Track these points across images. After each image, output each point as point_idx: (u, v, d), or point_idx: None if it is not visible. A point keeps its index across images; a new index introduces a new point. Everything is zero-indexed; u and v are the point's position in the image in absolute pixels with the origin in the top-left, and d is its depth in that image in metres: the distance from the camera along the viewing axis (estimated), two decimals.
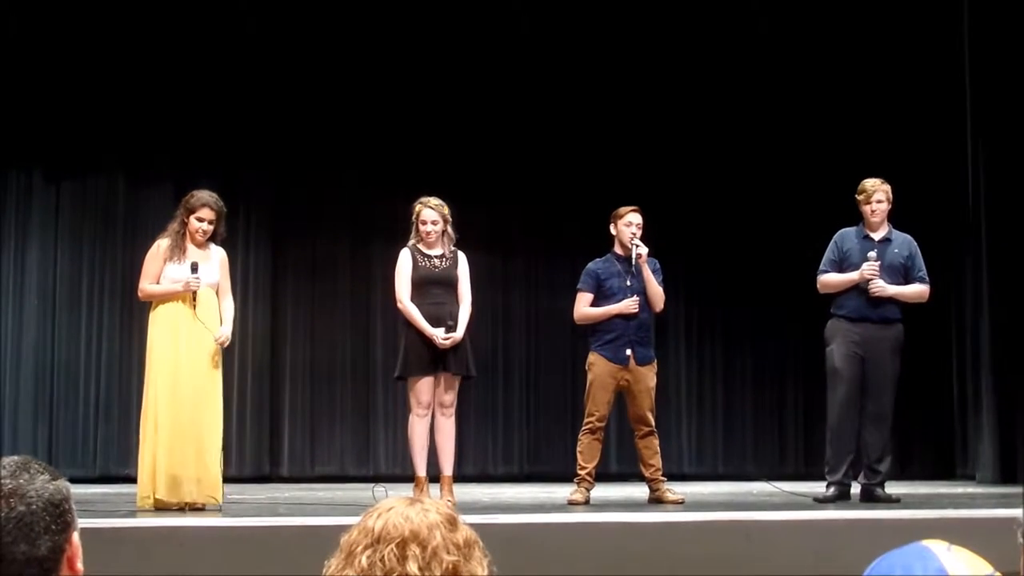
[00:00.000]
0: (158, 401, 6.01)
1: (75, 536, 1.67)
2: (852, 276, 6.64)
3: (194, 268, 6.12)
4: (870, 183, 6.75)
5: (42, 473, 1.68)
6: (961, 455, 9.90)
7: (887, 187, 6.75)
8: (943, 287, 10.04)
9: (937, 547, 1.59)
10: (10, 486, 1.63)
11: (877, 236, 6.72)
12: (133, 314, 9.50)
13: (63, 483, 1.69)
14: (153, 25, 9.54)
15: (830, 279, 6.71)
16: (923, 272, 6.72)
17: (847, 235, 6.81)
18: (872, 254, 6.63)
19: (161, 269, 6.14)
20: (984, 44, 9.32)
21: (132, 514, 5.71)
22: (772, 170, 10.15)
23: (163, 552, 4.72)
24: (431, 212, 6.51)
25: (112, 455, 9.49)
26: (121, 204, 9.80)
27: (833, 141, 9.93)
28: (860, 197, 6.76)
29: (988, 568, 1.62)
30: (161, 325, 6.11)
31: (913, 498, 7.14)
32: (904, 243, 6.75)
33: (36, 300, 9.56)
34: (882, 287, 6.58)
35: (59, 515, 1.64)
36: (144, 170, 9.78)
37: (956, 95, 9.65)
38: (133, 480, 8.72)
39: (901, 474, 9.56)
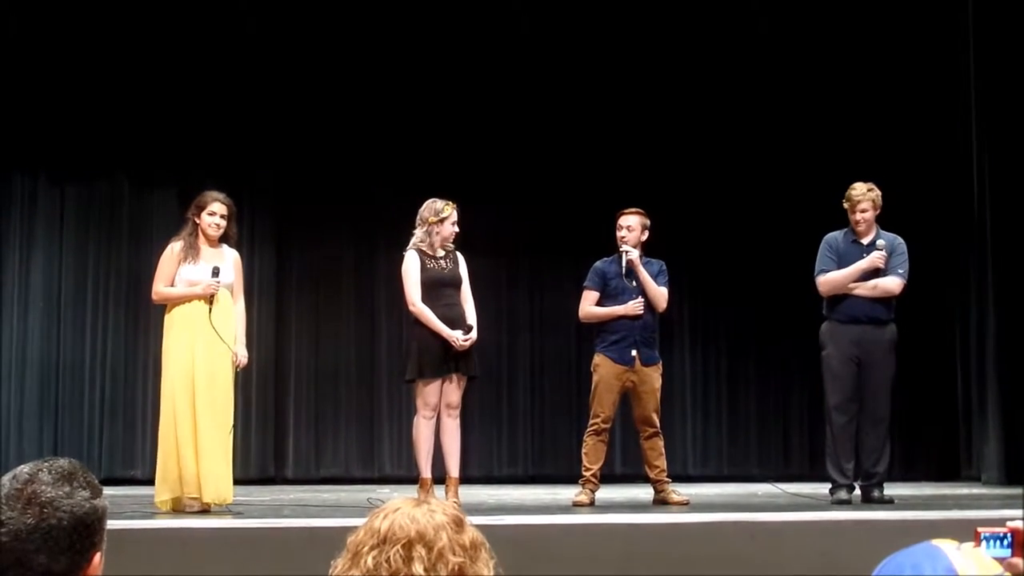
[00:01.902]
0: (176, 403, 6.01)
1: (97, 557, 1.66)
2: (861, 264, 6.61)
3: (215, 272, 6.14)
4: (856, 192, 6.70)
5: (84, 488, 1.67)
6: (966, 456, 9.88)
7: (874, 194, 6.70)
8: (948, 288, 10.06)
9: (947, 546, 1.60)
10: (48, 495, 1.63)
11: (865, 241, 6.70)
12: (138, 316, 9.53)
13: (101, 502, 1.68)
14: (156, 29, 9.56)
15: (836, 275, 6.66)
16: (902, 269, 6.66)
17: (835, 239, 6.78)
18: (882, 242, 6.63)
19: (175, 271, 6.15)
20: (989, 43, 9.31)
21: (137, 516, 5.72)
22: (776, 172, 10.14)
23: (168, 554, 4.73)
24: (457, 214, 6.53)
25: (118, 457, 9.51)
26: (125, 208, 9.82)
27: (837, 142, 9.91)
28: (846, 205, 6.74)
29: (997, 568, 1.62)
30: (178, 327, 6.11)
31: (918, 499, 7.14)
32: (888, 243, 6.71)
33: (41, 303, 9.57)
34: (872, 284, 6.58)
35: (87, 535, 1.64)
36: (148, 174, 9.80)
37: (960, 95, 9.64)
38: (139, 482, 8.82)
39: (906, 475, 9.57)
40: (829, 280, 6.68)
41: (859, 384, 6.62)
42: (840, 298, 6.65)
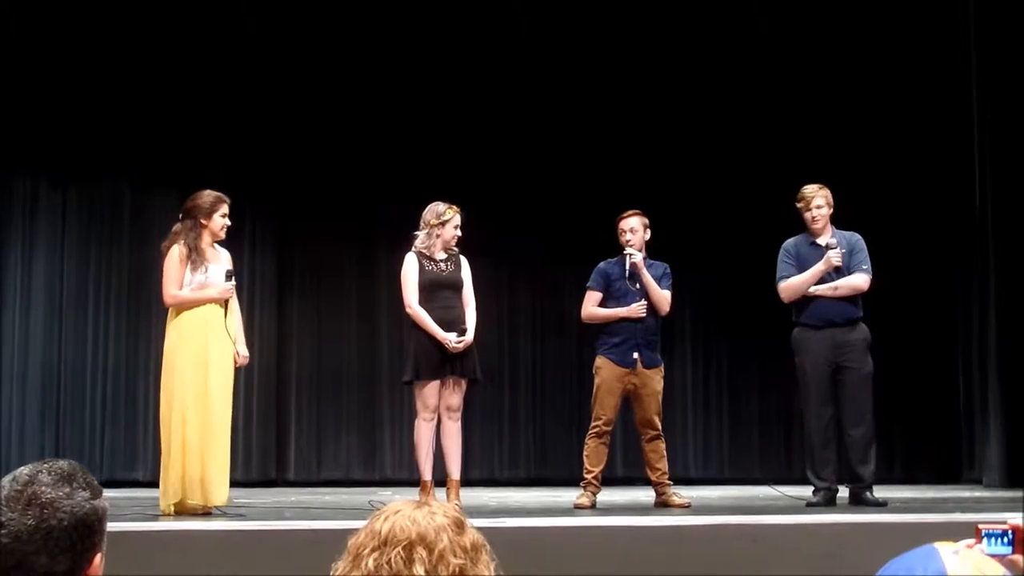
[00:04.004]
0: (186, 406, 5.96)
1: (98, 558, 1.67)
2: (818, 267, 6.59)
3: (229, 276, 6.12)
4: (809, 190, 6.71)
5: (84, 489, 1.67)
6: (968, 459, 9.88)
7: (827, 192, 6.70)
8: (949, 289, 10.06)
9: (944, 549, 1.60)
10: (48, 496, 1.63)
11: (822, 241, 6.68)
12: (139, 318, 9.55)
13: (101, 503, 1.69)
14: (158, 31, 9.57)
15: (795, 280, 6.64)
16: (866, 265, 6.63)
17: (793, 244, 6.77)
18: (833, 240, 6.62)
19: (184, 275, 6.09)
20: (990, 41, 9.30)
21: (138, 517, 5.71)
22: (777, 173, 10.11)
23: (169, 556, 4.73)
24: (460, 218, 6.54)
25: (119, 459, 9.51)
26: (126, 210, 9.84)
27: (838, 143, 9.91)
28: (800, 204, 6.73)
29: (997, 570, 1.62)
30: (189, 331, 6.04)
31: (920, 502, 7.14)
32: (845, 241, 6.70)
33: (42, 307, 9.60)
34: (835, 284, 6.57)
35: (87, 536, 1.64)
36: (149, 176, 9.81)
37: (962, 94, 9.64)
38: (140, 484, 8.82)
39: (908, 478, 9.57)
40: (789, 286, 6.67)
41: (834, 388, 6.60)
42: (808, 303, 6.63)
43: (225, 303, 6.10)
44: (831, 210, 6.71)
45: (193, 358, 6.01)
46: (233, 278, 6.15)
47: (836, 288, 6.57)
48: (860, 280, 6.61)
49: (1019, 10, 8.96)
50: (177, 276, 6.08)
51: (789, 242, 6.80)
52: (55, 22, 9.50)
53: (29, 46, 9.47)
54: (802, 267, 6.67)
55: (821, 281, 6.60)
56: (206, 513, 5.93)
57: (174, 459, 5.95)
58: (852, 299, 6.62)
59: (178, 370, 6.02)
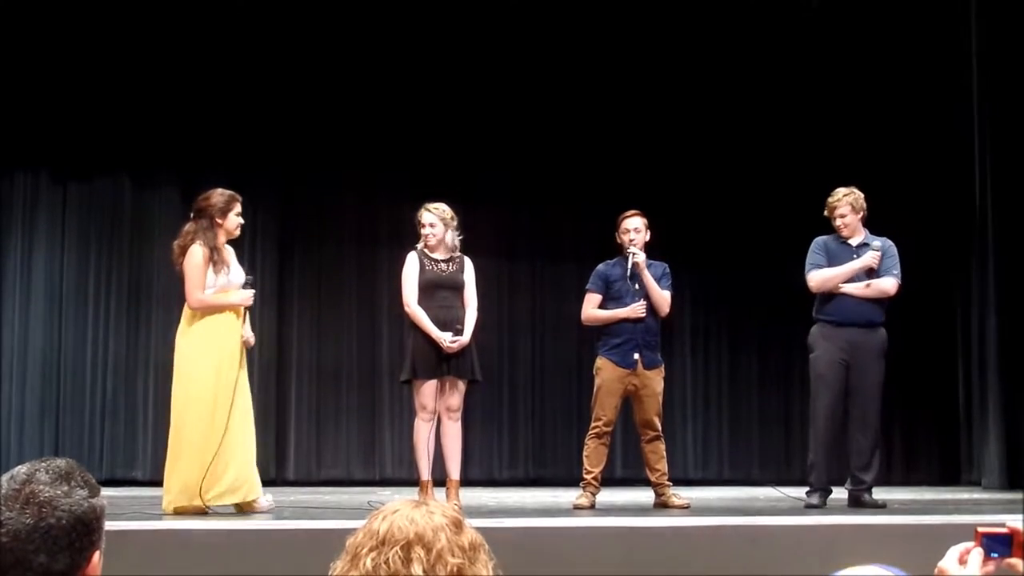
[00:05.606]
0: (216, 409, 5.87)
1: (96, 556, 1.67)
2: (855, 264, 6.60)
3: (250, 283, 6.11)
4: (833, 199, 6.68)
5: (82, 487, 1.68)
6: (967, 460, 9.88)
7: (851, 197, 6.66)
8: (949, 291, 10.06)
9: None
10: (47, 495, 1.63)
11: (854, 243, 6.69)
12: (139, 315, 9.55)
13: (99, 501, 1.69)
14: (159, 27, 9.57)
15: (829, 272, 6.62)
16: (896, 271, 6.63)
17: (825, 240, 6.76)
18: (876, 243, 6.63)
19: (206, 277, 6.00)
20: (991, 43, 9.31)
21: (137, 516, 5.71)
22: (778, 173, 10.15)
23: (168, 555, 4.72)
24: (429, 215, 6.53)
25: (119, 457, 9.51)
26: (127, 206, 9.84)
27: (838, 143, 9.92)
28: (827, 213, 6.72)
29: None
30: (212, 333, 5.96)
31: (918, 504, 7.13)
32: (879, 246, 6.70)
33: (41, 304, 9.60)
34: (866, 283, 6.57)
35: (85, 534, 1.64)
36: (150, 172, 9.81)
37: (963, 95, 9.65)
38: (140, 483, 8.82)
39: (907, 480, 9.57)
40: (821, 275, 6.64)
41: (847, 388, 6.60)
42: (831, 300, 6.63)
43: (244, 309, 6.10)
44: (858, 215, 6.66)
45: (216, 362, 5.92)
46: (252, 287, 6.15)
47: (867, 286, 6.58)
48: (889, 284, 6.61)
49: (1019, 10, 8.96)
50: (201, 279, 5.98)
51: (821, 238, 6.79)
52: (55, 19, 9.49)
53: (29, 43, 9.46)
54: (831, 263, 6.66)
55: (850, 280, 6.61)
56: (204, 512, 5.90)
57: (190, 462, 5.83)
58: (877, 303, 6.61)
59: (200, 374, 5.92)
